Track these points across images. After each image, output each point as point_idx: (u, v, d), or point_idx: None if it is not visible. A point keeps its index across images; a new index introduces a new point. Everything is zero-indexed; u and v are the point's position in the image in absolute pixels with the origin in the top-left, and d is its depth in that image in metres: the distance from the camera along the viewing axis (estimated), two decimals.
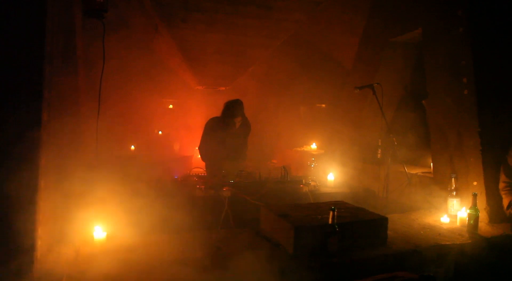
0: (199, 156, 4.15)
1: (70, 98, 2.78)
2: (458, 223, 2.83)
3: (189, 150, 6.49)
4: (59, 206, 2.26)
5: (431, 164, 3.52)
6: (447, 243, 2.50)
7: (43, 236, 2.03)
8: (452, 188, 2.98)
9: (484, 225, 2.85)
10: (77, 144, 2.73)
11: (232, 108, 3.88)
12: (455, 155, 3.19)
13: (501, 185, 2.92)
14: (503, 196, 2.89)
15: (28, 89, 1.91)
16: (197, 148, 4.21)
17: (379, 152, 4.20)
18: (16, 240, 1.86)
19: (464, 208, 2.85)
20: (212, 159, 3.99)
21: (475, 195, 2.69)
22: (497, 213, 2.94)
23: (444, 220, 2.89)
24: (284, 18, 5.41)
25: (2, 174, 1.82)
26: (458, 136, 3.15)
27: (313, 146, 5.93)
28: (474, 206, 2.67)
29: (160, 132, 7.05)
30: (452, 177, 2.98)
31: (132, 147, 6.04)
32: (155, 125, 6.88)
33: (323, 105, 6.80)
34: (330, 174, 3.69)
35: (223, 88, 6.81)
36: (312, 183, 3.47)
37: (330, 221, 2.21)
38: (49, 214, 2.14)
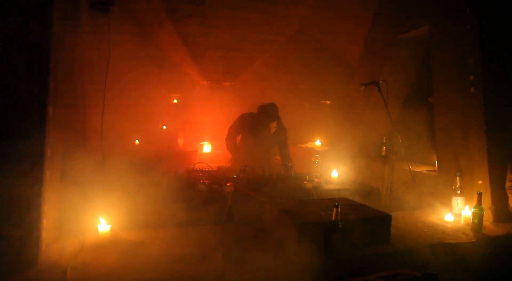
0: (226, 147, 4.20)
1: (76, 92, 2.79)
2: (462, 222, 2.82)
3: (193, 145, 6.50)
4: (64, 198, 2.28)
5: (436, 162, 3.50)
6: (451, 241, 2.50)
7: (48, 228, 2.04)
8: (457, 186, 2.97)
9: (488, 224, 2.84)
10: (83, 137, 2.74)
11: (267, 113, 3.91)
12: (460, 154, 3.17)
13: (507, 184, 2.90)
14: (509, 195, 2.88)
15: (34, 82, 1.92)
16: (202, 143, 4.22)
17: (384, 149, 4.19)
18: (21, 231, 1.87)
19: (468, 207, 2.84)
20: (232, 149, 4.04)
21: (480, 194, 2.67)
22: (502, 213, 2.92)
23: (448, 218, 2.88)
24: (289, 14, 5.39)
25: (8, 167, 1.83)
26: (464, 134, 3.13)
27: (317, 142, 5.91)
28: (478, 205, 2.66)
29: (164, 127, 7.06)
30: (457, 176, 2.97)
31: (137, 141, 6.06)
32: (159, 120, 6.89)
33: (328, 102, 6.77)
34: (334, 171, 3.68)
35: (228, 83, 6.79)
36: (316, 180, 3.46)
37: (333, 217, 2.21)
38: (54, 206, 2.15)
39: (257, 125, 3.98)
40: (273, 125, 3.93)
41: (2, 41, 1.87)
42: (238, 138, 4.17)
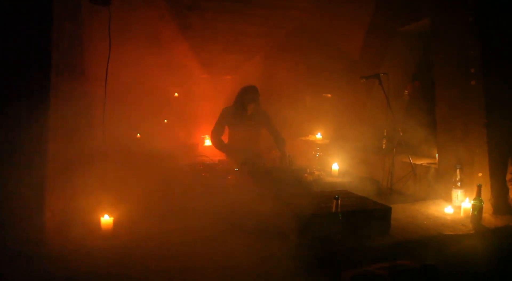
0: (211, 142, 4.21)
1: (77, 86, 2.80)
2: (462, 214, 2.84)
3: (194, 138, 6.51)
4: (67, 190, 2.30)
5: (436, 154, 3.51)
6: (450, 233, 2.52)
7: (52, 220, 2.07)
8: (457, 179, 2.98)
9: (488, 216, 2.85)
10: (85, 130, 2.76)
11: (243, 94, 3.90)
12: (461, 146, 3.17)
13: (509, 176, 2.91)
14: (510, 187, 2.89)
15: (36, 76, 1.93)
16: (203, 136, 4.24)
17: (384, 142, 4.20)
18: (25, 222, 1.90)
19: (468, 199, 2.85)
20: (221, 147, 4.04)
21: (479, 186, 2.69)
22: (502, 205, 2.94)
23: (448, 210, 2.90)
24: (290, 7, 5.36)
25: (11, 159, 1.85)
26: (464, 127, 3.13)
27: (318, 135, 5.92)
28: (478, 197, 2.67)
29: (165, 120, 7.06)
30: (457, 168, 2.98)
31: (138, 135, 6.07)
32: (160, 113, 6.90)
33: (329, 95, 6.76)
34: (334, 163, 3.70)
35: (229, 77, 6.79)
36: (317, 172, 3.48)
37: (334, 209, 2.23)
38: (57, 198, 2.17)
39: (237, 113, 3.96)
40: (250, 107, 3.91)
41: (4, 36, 1.88)
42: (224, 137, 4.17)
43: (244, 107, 3.89)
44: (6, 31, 1.87)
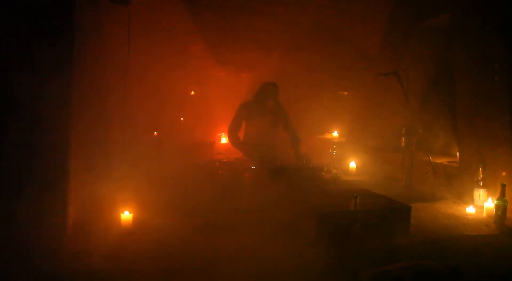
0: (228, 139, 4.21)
1: (97, 84, 2.85)
2: (484, 214, 2.77)
3: (211, 136, 6.54)
4: (88, 188, 2.35)
5: (457, 153, 3.44)
6: (473, 233, 2.46)
7: (74, 216, 2.11)
8: (479, 178, 2.91)
9: None
10: (105, 129, 2.81)
11: (264, 90, 3.90)
12: (483, 144, 3.09)
13: None
14: None
15: (58, 80, 1.98)
16: (220, 134, 4.24)
17: (403, 140, 4.13)
18: (48, 220, 1.95)
19: (490, 199, 2.78)
20: (237, 145, 4.03)
21: (503, 186, 2.62)
22: None
23: (469, 210, 2.84)
24: (307, 4, 5.33)
25: (36, 158, 1.90)
26: (487, 124, 3.05)
27: (335, 133, 5.87)
28: (502, 197, 2.60)
29: (182, 119, 7.12)
30: (479, 167, 2.91)
31: (155, 133, 6.14)
32: (177, 112, 6.95)
33: (346, 93, 6.69)
34: (352, 162, 3.66)
35: (245, 74, 6.78)
36: (334, 171, 3.46)
37: (352, 208, 2.21)
38: (79, 195, 2.22)
39: (256, 108, 3.94)
40: (269, 103, 3.90)
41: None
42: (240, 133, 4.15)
43: (264, 103, 3.90)
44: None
